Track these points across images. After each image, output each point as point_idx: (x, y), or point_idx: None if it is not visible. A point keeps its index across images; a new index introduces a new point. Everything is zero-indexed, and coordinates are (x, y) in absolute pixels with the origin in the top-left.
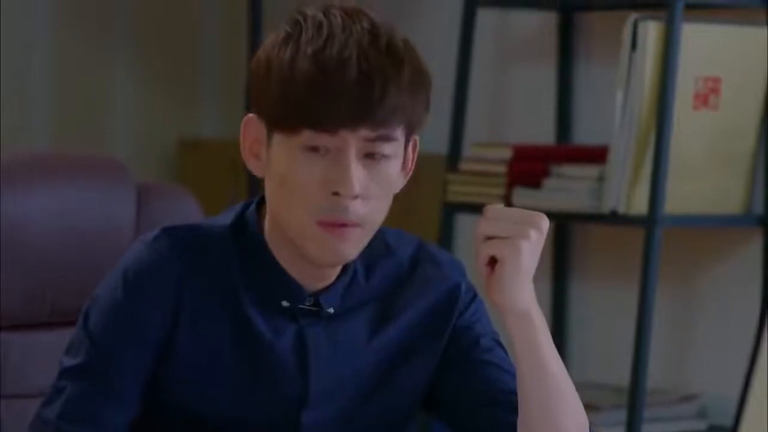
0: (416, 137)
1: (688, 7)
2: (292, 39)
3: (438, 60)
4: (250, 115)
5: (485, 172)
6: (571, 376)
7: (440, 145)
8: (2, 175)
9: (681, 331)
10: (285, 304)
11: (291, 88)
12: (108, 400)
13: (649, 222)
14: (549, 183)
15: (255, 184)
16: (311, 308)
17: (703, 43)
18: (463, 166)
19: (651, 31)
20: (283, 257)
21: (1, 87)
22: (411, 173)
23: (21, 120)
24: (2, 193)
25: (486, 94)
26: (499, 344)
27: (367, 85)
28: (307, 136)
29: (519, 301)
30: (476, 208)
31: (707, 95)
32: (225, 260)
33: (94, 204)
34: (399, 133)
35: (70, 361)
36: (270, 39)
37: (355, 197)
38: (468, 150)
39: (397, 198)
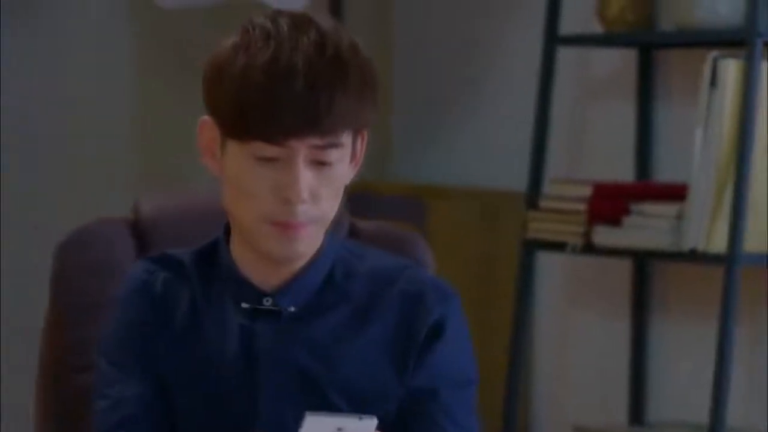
0: (364, 131)
1: None
2: (242, 49)
3: (518, 98)
4: (205, 117)
5: (565, 210)
6: (651, 415)
7: (520, 182)
8: (193, 215)
9: (760, 369)
10: (244, 305)
11: (241, 99)
12: (131, 408)
13: (729, 260)
14: (629, 221)
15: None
16: (272, 308)
17: None
18: (543, 203)
19: (731, 69)
20: (244, 259)
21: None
22: (359, 164)
23: (105, 163)
24: (194, 231)
25: (566, 131)
26: (460, 400)
27: (314, 95)
28: (258, 147)
29: None
30: (556, 246)
31: None
32: (190, 275)
33: None
34: (346, 137)
35: (96, 387)
36: (222, 45)
37: (305, 202)
38: (548, 187)
39: (477, 235)
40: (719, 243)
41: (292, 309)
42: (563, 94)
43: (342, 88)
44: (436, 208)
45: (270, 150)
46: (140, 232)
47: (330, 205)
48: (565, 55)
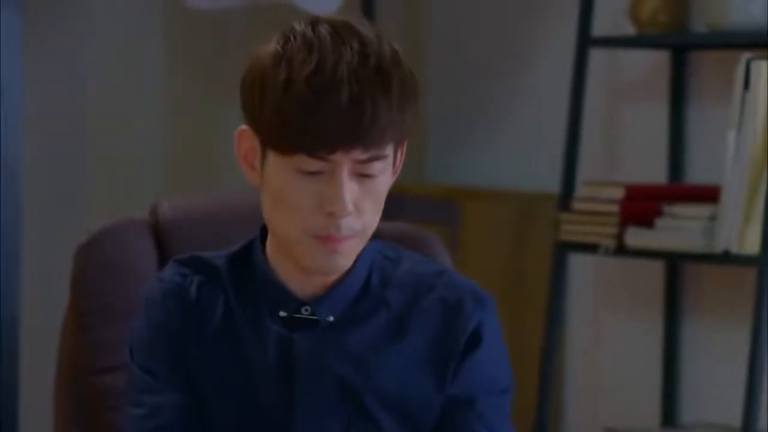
0: (405, 141)
1: None
2: (283, 59)
3: (550, 100)
4: (244, 127)
5: (598, 212)
6: (683, 417)
7: (552, 184)
8: (214, 217)
9: None
10: (282, 314)
11: (284, 112)
12: (167, 411)
13: (762, 261)
14: (661, 222)
15: None
16: (309, 317)
17: None
18: (576, 205)
19: (764, 71)
20: (283, 269)
21: (111, 139)
22: (398, 173)
23: (132, 164)
24: (215, 234)
25: (598, 133)
26: (497, 408)
27: (359, 108)
28: (301, 160)
29: None
30: (589, 248)
31: None
32: (224, 282)
33: None
34: (389, 149)
35: (129, 394)
36: (262, 53)
37: (349, 215)
38: (580, 189)
39: (511, 237)
40: (752, 245)
41: (331, 318)
42: (596, 95)
43: (386, 99)
44: (470, 210)
45: (313, 164)
46: (159, 233)
47: (372, 217)
48: (597, 57)
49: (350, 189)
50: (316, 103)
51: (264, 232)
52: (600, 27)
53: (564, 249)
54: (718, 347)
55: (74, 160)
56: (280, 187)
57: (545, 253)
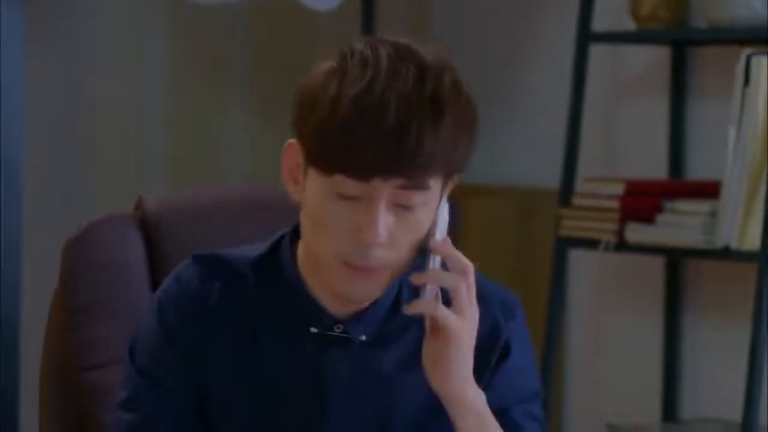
0: (456, 176)
1: None
2: (336, 75)
3: (551, 96)
4: (292, 141)
5: (598, 207)
6: (684, 412)
7: (553, 180)
8: (203, 211)
9: None
10: (313, 330)
11: (326, 128)
12: (162, 423)
13: (762, 257)
14: (662, 218)
15: None
16: (341, 335)
17: None
18: (576, 201)
19: (764, 67)
20: (315, 283)
21: (113, 132)
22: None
23: (134, 162)
24: (203, 228)
25: (598, 129)
26: (529, 414)
27: (403, 133)
28: (339, 181)
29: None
30: (589, 243)
31: None
32: (249, 289)
33: None
34: (434, 181)
35: (122, 394)
36: (320, 67)
37: (381, 246)
38: (581, 185)
39: (512, 232)
40: (753, 241)
41: (363, 338)
42: (596, 91)
43: (434, 128)
44: (471, 206)
45: (351, 186)
46: (147, 227)
47: (408, 253)
48: (598, 52)
49: (386, 219)
50: (359, 123)
51: (294, 237)
52: (600, 22)
53: (564, 245)
54: (718, 343)
55: (75, 158)
56: (318, 207)
57: (546, 248)
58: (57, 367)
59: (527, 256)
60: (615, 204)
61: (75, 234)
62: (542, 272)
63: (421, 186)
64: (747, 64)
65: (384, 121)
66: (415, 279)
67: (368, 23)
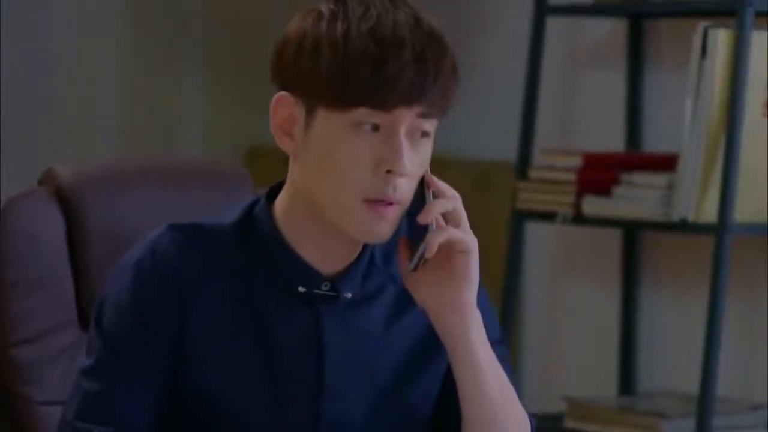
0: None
1: (758, 14)
2: (339, 16)
3: (507, 68)
4: (283, 93)
5: (555, 180)
6: (641, 384)
7: (509, 153)
8: (121, 182)
9: (750, 339)
10: (301, 289)
11: (347, 65)
12: (125, 397)
13: (719, 230)
14: (618, 191)
15: None
16: (328, 293)
17: None
18: (533, 173)
19: (721, 39)
20: (300, 243)
21: (68, 94)
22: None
23: (89, 127)
24: (123, 199)
25: (555, 101)
26: (501, 357)
27: (422, 62)
28: (362, 113)
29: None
30: (546, 216)
31: None
32: (232, 254)
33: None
34: (440, 116)
35: (86, 362)
36: (303, 18)
37: (404, 175)
38: (537, 158)
39: (468, 205)
40: (709, 213)
41: (349, 295)
42: (553, 64)
43: (444, 62)
44: None
45: (375, 116)
46: (63, 200)
47: (414, 185)
48: (554, 25)
49: (407, 148)
50: (381, 56)
51: (269, 200)
52: None
53: (521, 217)
54: (675, 315)
55: (36, 111)
56: (330, 147)
57: (502, 221)
58: None
59: (484, 229)
60: (572, 176)
61: None
62: (499, 245)
63: (438, 113)
64: (704, 36)
65: (404, 53)
66: (423, 218)
67: None
